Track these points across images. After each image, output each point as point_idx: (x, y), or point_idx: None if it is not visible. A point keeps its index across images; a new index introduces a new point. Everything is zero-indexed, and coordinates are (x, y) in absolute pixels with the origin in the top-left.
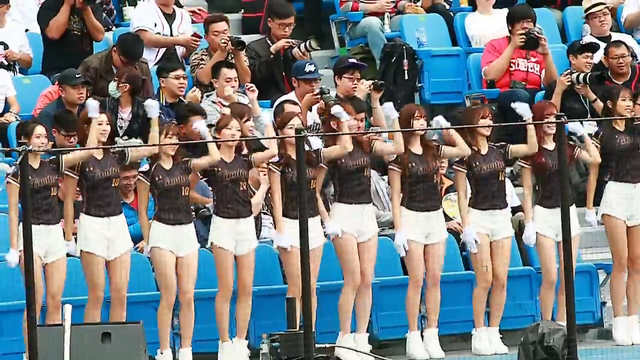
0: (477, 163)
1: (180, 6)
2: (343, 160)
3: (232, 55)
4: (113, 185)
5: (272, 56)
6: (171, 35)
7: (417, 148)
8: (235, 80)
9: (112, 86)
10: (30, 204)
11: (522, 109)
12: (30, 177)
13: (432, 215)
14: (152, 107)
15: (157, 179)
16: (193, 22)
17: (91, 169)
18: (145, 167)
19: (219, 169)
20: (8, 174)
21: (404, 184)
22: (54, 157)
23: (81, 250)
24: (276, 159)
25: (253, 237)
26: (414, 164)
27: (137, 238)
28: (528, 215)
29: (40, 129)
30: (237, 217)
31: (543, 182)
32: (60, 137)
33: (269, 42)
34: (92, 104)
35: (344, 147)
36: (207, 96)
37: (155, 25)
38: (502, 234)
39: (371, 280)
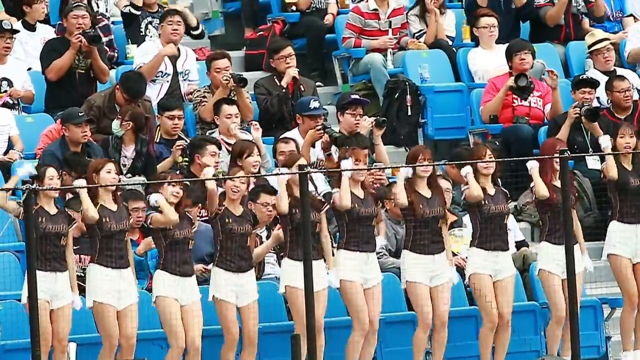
0: (486, 202)
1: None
2: (356, 206)
3: (234, 93)
4: (125, 238)
5: (283, 91)
6: (175, 72)
7: (425, 192)
8: (237, 117)
9: (115, 124)
10: (34, 245)
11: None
12: (44, 221)
13: (437, 258)
14: (156, 198)
15: (167, 229)
16: (196, 59)
17: (106, 220)
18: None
19: (229, 221)
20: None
21: (408, 226)
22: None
23: (93, 301)
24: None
25: (253, 289)
26: (421, 206)
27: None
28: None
29: (52, 171)
30: (238, 272)
31: (549, 217)
32: (70, 179)
33: (276, 80)
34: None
35: (342, 200)
36: (210, 134)
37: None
38: (505, 274)
39: (377, 326)
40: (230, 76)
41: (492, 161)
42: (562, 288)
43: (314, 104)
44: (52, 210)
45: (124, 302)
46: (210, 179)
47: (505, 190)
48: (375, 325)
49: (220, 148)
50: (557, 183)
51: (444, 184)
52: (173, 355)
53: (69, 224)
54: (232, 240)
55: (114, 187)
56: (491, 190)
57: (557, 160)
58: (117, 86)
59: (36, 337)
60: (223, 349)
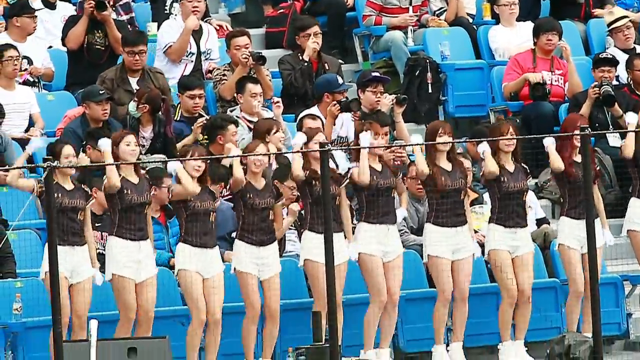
0: (505, 179)
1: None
2: (374, 178)
3: (254, 71)
4: (145, 211)
5: (306, 64)
6: (199, 51)
7: (445, 164)
8: (261, 96)
9: (132, 106)
10: (55, 223)
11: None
12: (60, 196)
13: (459, 231)
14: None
15: (187, 200)
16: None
17: (128, 192)
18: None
19: (250, 196)
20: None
21: (430, 200)
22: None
23: (112, 274)
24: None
25: (275, 262)
26: (443, 178)
27: (164, 261)
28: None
29: (68, 149)
30: (260, 245)
31: (569, 193)
32: (95, 152)
33: (300, 57)
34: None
35: (360, 176)
36: (231, 111)
37: None
38: (524, 250)
39: (398, 299)
40: (249, 54)
41: (513, 138)
42: (581, 263)
43: (340, 80)
44: (69, 185)
45: (143, 274)
46: (233, 157)
47: (525, 167)
48: (394, 298)
49: (237, 127)
50: (578, 158)
51: (465, 162)
52: (194, 328)
53: (86, 199)
54: (254, 214)
55: (134, 159)
56: (510, 167)
57: (578, 136)
58: (122, 49)
59: (57, 314)
60: (244, 322)
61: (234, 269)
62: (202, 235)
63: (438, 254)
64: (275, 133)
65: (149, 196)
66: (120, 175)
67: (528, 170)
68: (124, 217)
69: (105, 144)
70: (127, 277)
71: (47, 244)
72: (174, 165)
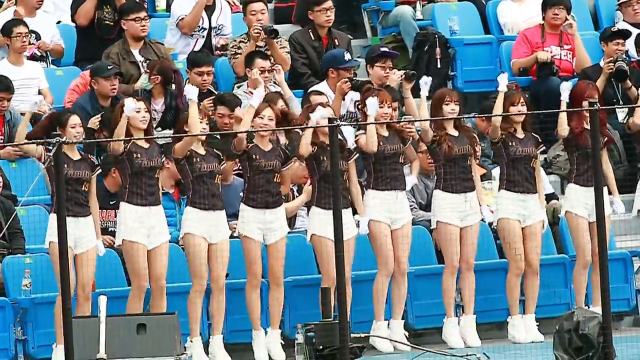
0: (513, 144)
1: None
2: (381, 143)
3: (267, 45)
4: (156, 175)
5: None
6: (210, 26)
7: (452, 130)
8: (269, 72)
9: (143, 78)
10: (63, 195)
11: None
12: (66, 167)
13: (468, 197)
14: (191, 91)
15: (193, 162)
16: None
17: (138, 156)
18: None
19: (257, 157)
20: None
21: (438, 167)
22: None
23: (123, 240)
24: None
25: (282, 225)
26: (450, 144)
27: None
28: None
29: (75, 119)
30: (266, 208)
31: (578, 160)
32: (102, 136)
33: (311, 33)
34: (130, 104)
35: (368, 145)
36: (238, 87)
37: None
38: (534, 219)
39: (406, 268)
40: (260, 28)
41: (522, 114)
42: (589, 233)
43: (347, 56)
44: (75, 156)
45: (154, 240)
46: (241, 132)
47: (536, 136)
48: (402, 266)
49: (240, 105)
50: (588, 126)
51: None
52: (194, 295)
53: (92, 169)
54: (259, 176)
55: (144, 126)
56: (520, 135)
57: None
58: (123, 21)
59: (66, 288)
60: (247, 289)
61: (239, 233)
62: (209, 197)
63: (447, 220)
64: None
65: (159, 161)
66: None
67: (539, 139)
68: (135, 182)
69: (129, 105)
70: (137, 242)
71: (51, 215)
72: (190, 91)
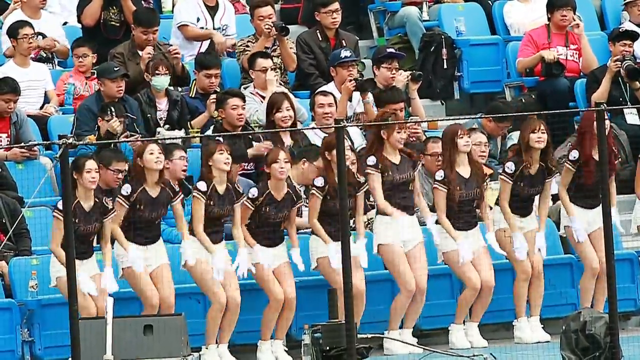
0: (522, 185)
1: None
2: (390, 173)
3: (278, 42)
4: (157, 222)
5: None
6: (214, 26)
7: (464, 169)
8: (272, 70)
9: (156, 80)
10: (70, 203)
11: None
12: (77, 221)
13: (470, 233)
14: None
15: (211, 203)
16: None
17: (141, 208)
18: (201, 185)
19: (267, 210)
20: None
21: (447, 205)
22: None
23: (122, 269)
24: (320, 183)
25: (285, 254)
26: (459, 187)
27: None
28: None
29: (91, 164)
30: (271, 246)
31: (579, 181)
32: (106, 124)
33: (319, 34)
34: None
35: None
36: (245, 87)
37: (198, 19)
38: (534, 226)
39: (425, 286)
40: (272, 25)
41: (527, 114)
42: (591, 241)
43: (344, 53)
44: (88, 204)
45: (153, 263)
46: (246, 133)
47: (552, 167)
48: (421, 285)
49: (244, 100)
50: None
51: (480, 137)
52: (214, 311)
53: (103, 216)
54: (267, 224)
55: (159, 167)
56: (534, 169)
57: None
58: (133, 26)
59: (73, 292)
60: (266, 311)
61: (248, 269)
62: (209, 233)
63: (453, 248)
64: (277, 112)
65: (164, 210)
66: (140, 185)
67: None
68: (136, 227)
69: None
70: (135, 270)
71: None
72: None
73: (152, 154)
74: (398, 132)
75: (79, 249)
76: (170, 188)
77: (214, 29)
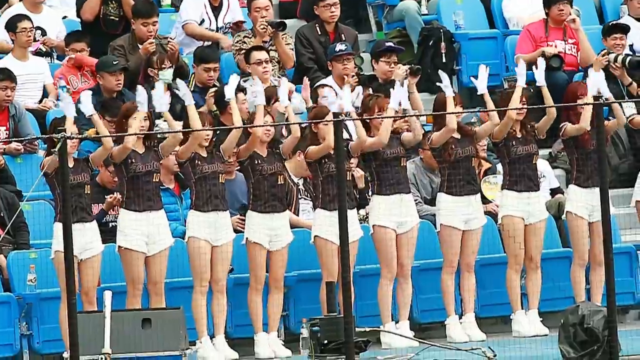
0: (513, 143)
1: None
2: (380, 149)
3: (273, 40)
4: (154, 180)
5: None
6: (217, 26)
7: (455, 134)
8: (267, 62)
9: (162, 74)
10: (69, 191)
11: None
12: None
13: (472, 200)
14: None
15: (196, 164)
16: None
17: (133, 161)
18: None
19: (258, 162)
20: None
21: (442, 169)
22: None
23: (119, 247)
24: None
25: (287, 232)
26: (453, 146)
27: (178, 235)
28: None
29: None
30: (272, 213)
31: (578, 160)
32: (104, 122)
33: (318, 28)
34: (142, 96)
35: (380, 140)
36: (244, 81)
37: (203, 21)
38: (537, 217)
39: (409, 271)
40: (266, 24)
41: (525, 108)
42: (589, 232)
43: (339, 47)
44: (70, 162)
45: (155, 247)
46: (241, 127)
47: (534, 133)
48: (405, 270)
49: (245, 92)
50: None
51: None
52: (196, 298)
53: (91, 171)
54: (264, 180)
55: (150, 132)
56: (519, 134)
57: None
58: (132, 20)
59: (71, 285)
60: (249, 293)
61: (246, 239)
62: (212, 198)
63: (451, 223)
64: (275, 102)
65: (155, 165)
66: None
67: (535, 135)
68: (131, 188)
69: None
70: (134, 250)
71: (56, 224)
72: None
73: (135, 118)
74: (380, 114)
75: (78, 205)
76: (155, 149)
77: (217, 28)
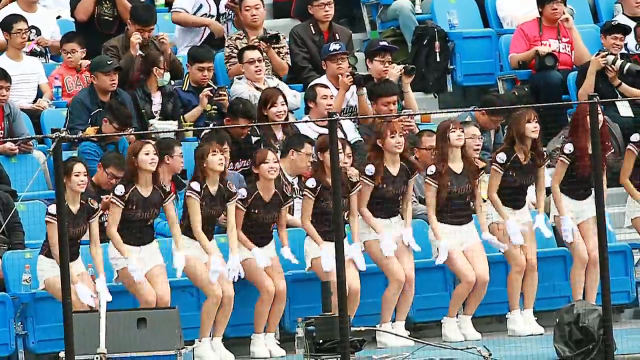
0: (514, 175)
1: None
2: (384, 186)
3: (265, 51)
4: (149, 223)
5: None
6: (218, 12)
7: (457, 165)
8: (259, 61)
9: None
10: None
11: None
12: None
13: (464, 229)
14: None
15: (203, 203)
16: None
17: (133, 208)
18: (195, 185)
19: (256, 211)
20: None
21: (438, 199)
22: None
23: (117, 271)
24: (313, 184)
25: (273, 250)
26: (450, 183)
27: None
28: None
29: (79, 167)
30: (261, 246)
31: (572, 178)
32: (109, 127)
33: (312, 27)
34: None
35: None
36: (239, 78)
37: (201, 6)
38: (524, 219)
39: (413, 277)
40: (259, 39)
41: (520, 107)
42: (580, 231)
43: (333, 47)
44: (75, 207)
45: (148, 266)
46: (243, 126)
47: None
48: (410, 276)
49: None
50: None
51: (474, 130)
52: (210, 304)
53: (90, 217)
54: (256, 225)
55: (153, 169)
56: (524, 160)
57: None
58: (129, 21)
59: (66, 285)
60: (258, 305)
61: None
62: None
63: (449, 247)
64: (271, 107)
65: (155, 212)
66: (132, 185)
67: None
68: (126, 226)
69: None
70: (135, 278)
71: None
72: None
73: (147, 154)
74: (392, 137)
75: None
76: (162, 189)
77: (217, 14)
